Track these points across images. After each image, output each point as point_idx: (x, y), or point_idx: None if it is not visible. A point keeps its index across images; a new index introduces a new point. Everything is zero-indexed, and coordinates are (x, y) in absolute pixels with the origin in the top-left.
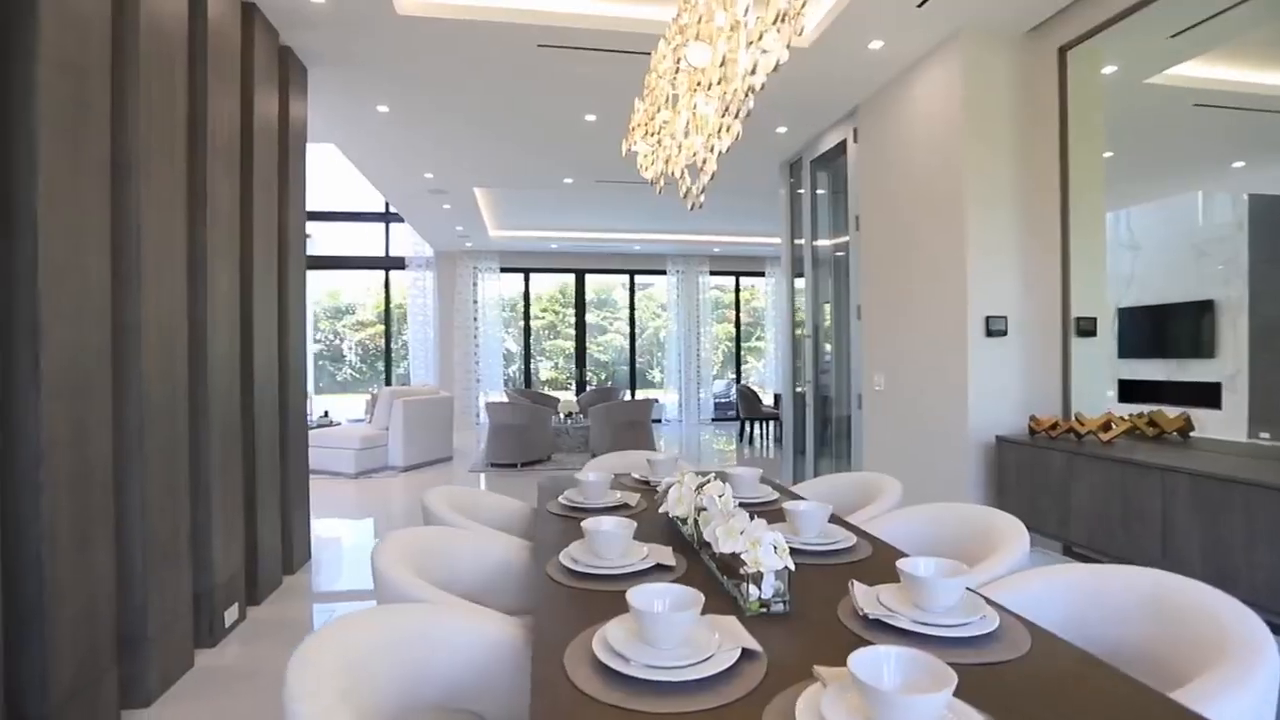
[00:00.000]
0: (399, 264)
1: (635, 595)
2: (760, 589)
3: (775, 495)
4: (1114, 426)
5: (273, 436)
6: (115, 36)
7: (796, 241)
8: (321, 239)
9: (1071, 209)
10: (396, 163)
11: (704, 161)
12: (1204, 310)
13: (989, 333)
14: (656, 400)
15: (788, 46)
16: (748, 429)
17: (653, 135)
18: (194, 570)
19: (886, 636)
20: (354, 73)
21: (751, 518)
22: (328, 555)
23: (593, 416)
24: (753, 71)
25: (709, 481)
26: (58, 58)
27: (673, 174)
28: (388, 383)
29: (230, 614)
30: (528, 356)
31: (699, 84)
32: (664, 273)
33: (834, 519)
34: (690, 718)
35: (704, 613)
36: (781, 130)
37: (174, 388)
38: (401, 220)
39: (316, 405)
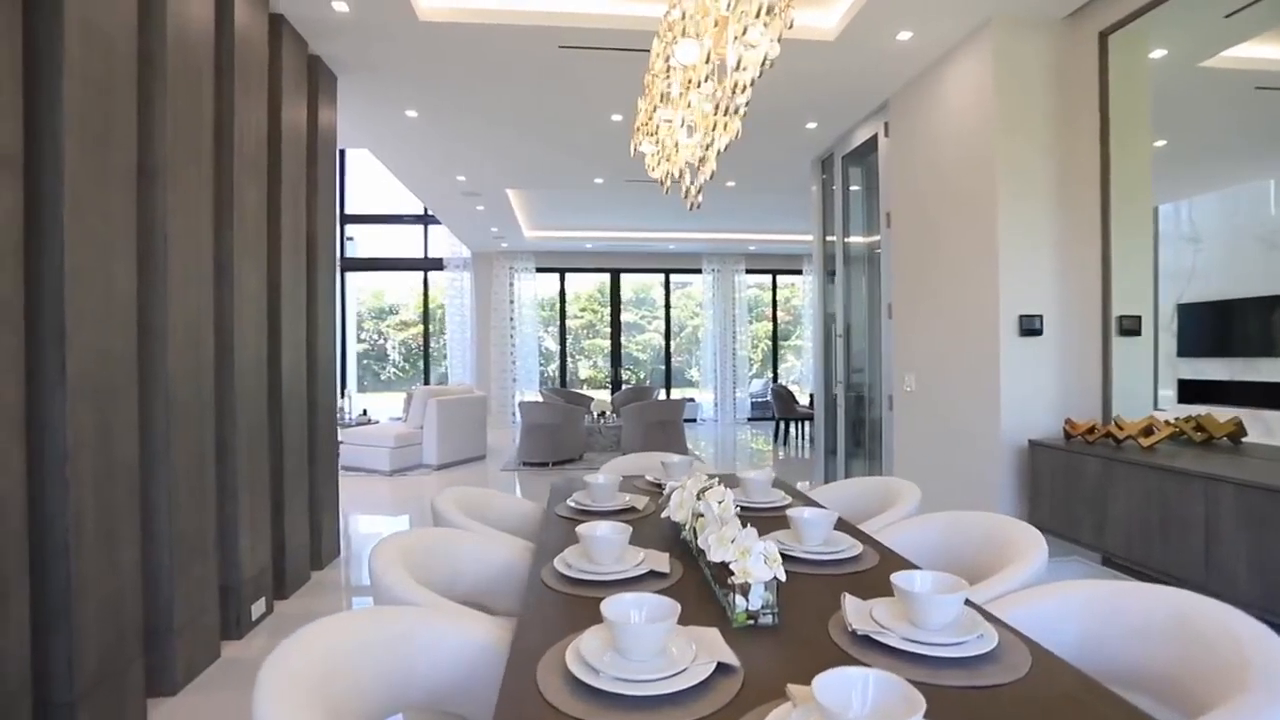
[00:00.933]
0: (437, 265)
1: (610, 604)
2: (748, 600)
3: (788, 500)
4: (1156, 431)
5: (301, 436)
6: (141, 50)
7: (829, 239)
8: (364, 241)
9: (1113, 201)
10: (428, 166)
11: (700, 160)
12: (1275, 306)
13: (1023, 331)
14: (692, 400)
15: (778, 40)
16: (783, 429)
17: (652, 136)
18: (221, 565)
19: (875, 654)
20: (381, 79)
21: (744, 525)
22: (358, 551)
23: (624, 416)
24: (739, 67)
25: (711, 486)
26: (82, 73)
27: (675, 173)
28: (426, 382)
29: (257, 608)
30: (564, 356)
31: (690, 81)
32: (699, 271)
33: (842, 525)
34: None
35: (696, 624)
36: (811, 126)
37: (201, 389)
38: (439, 222)
39: (359, 404)
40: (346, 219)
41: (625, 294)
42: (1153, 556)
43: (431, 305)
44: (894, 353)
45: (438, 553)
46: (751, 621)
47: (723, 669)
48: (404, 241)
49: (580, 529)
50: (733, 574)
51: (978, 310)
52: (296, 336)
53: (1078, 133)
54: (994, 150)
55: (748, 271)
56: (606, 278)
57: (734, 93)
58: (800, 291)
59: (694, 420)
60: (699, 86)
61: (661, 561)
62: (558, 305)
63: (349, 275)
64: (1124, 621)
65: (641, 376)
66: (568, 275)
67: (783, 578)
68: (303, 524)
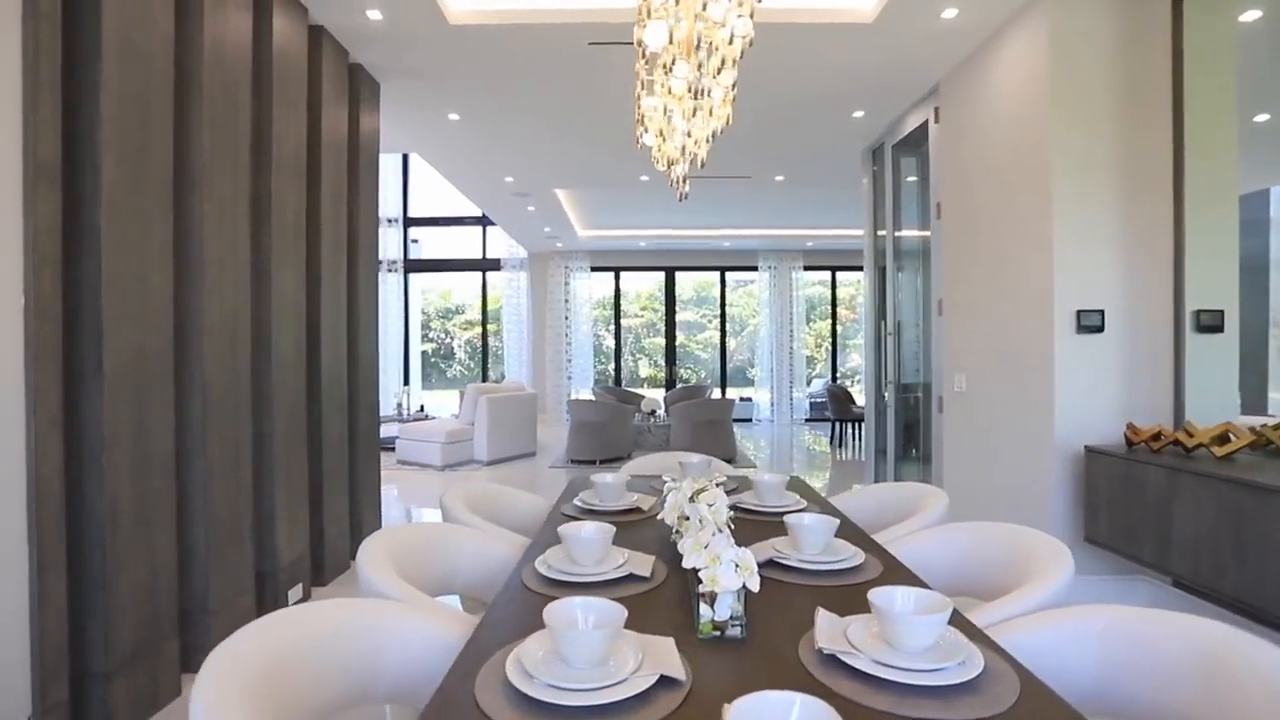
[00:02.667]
0: (495, 265)
1: (555, 609)
2: (714, 610)
3: (801, 505)
4: (1233, 438)
5: (341, 430)
6: (179, 66)
7: (879, 233)
8: (429, 243)
9: (1189, 186)
10: (475, 168)
11: (683, 148)
12: None
13: (1080, 328)
14: (748, 399)
15: (750, 16)
16: (839, 430)
17: (642, 125)
18: (257, 552)
19: (840, 677)
20: (421, 84)
21: (733, 529)
22: None
23: (673, 415)
24: (710, 49)
25: (706, 488)
26: (120, 89)
27: (670, 163)
28: (484, 380)
29: (294, 593)
30: (618, 354)
31: (663, 65)
32: (755, 269)
33: (854, 533)
34: None
35: (667, 632)
36: (859, 114)
37: (237, 384)
38: (496, 224)
39: (420, 401)
40: (410, 222)
41: (686, 292)
42: (1224, 582)
43: (490, 305)
44: (944, 352)
45: (433, 548)
46: (718, 633)
47: (667, 682)
48: (466, 243)
49: (562, 529)
50: (700, 581)
51: (1031, 305)
52: (337, 335)
53: (1147, 110)
54: (1048, 131)
55: (806, 268)
56: (664, 276)
57: (717, 74)
58: (862, 289)
59: (749, 420)
60: (670, 70)
61: (644, 565)
62: (614, 303)
63: (412, 276)
64: (1147, 655)
65: (703, 376)
66: (623, 274)
67: (754, 588)
68: (342, 514)
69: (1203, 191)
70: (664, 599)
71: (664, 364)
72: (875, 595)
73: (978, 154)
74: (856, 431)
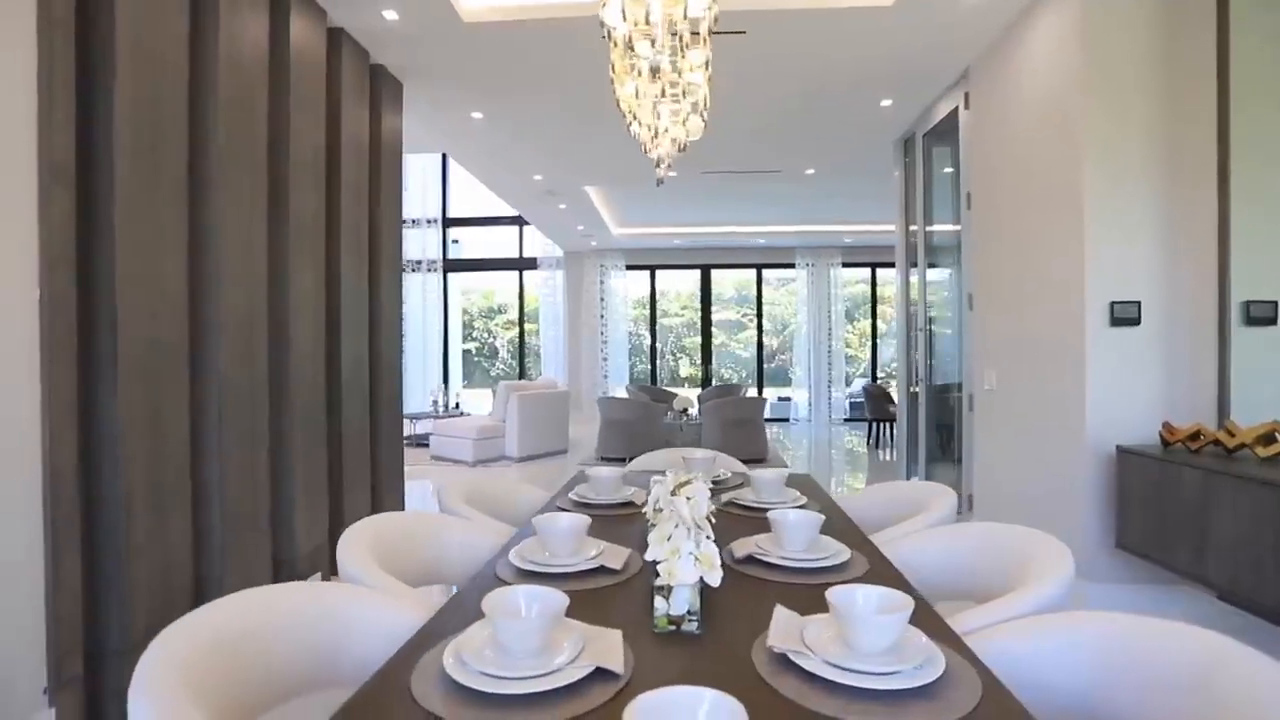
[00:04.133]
0: (531, 264)
1: (495, 596)
2: (669, 603)
3: (801, 501)
4: (1279, 438)
5: (361, 423)
6: (193, 68)
7: (911, 228)
8: (469, 242)
9: (1235, 169)
10: (503, 167)
11: (654, 132)
12: None
13: (1114, 321)
14: (787, 399)
15: None
16: (877, 430)
17: (632, 116)
18: (274, 539)
19: (789, 677)
20: (443, 83)
21: (713, 522)
22: None
23: (704, 413)
24: (674, 34)
25: (690, 482)
26: (133, 90)
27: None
28: (521, 377)
29: (314, 580)
30: (654, 352)
31: (627, 45)
32: (793, 266)
33: (847, 532)
34: None
35: (628, 625)
36: (887, 103)
37: (254, 377)
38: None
39: (465, 399)
40: (450, 222)
41: (728, 291)
42: (1265, 592)
43: (528, 304)
44: (974, 347)
45: (419, 537)
46: (673, 627)
47: (605, 675)
48: (504, 242)
49: (536, 520)
50: (658, 574)
51: (1061, 298)
52: (358, 331)
53: (1188, 90)
54: (1079, 113)
55: (844, 265)
56: (699, 274)
57: (679, 50)
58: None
59: (786, 420)
60: (631, 51)
61: (618, 557)
62: (650, 302)
63: (451, 275)
64: (1138, 665)
65: (744, 375)
66: (662, 273)
67: (713, 583)
68: (363, 505)
69: (1250, 176)
70: (631, 592)
71: (701, 362)
72: (834, 593)
73: (1008, 141)
74: (894, 432)
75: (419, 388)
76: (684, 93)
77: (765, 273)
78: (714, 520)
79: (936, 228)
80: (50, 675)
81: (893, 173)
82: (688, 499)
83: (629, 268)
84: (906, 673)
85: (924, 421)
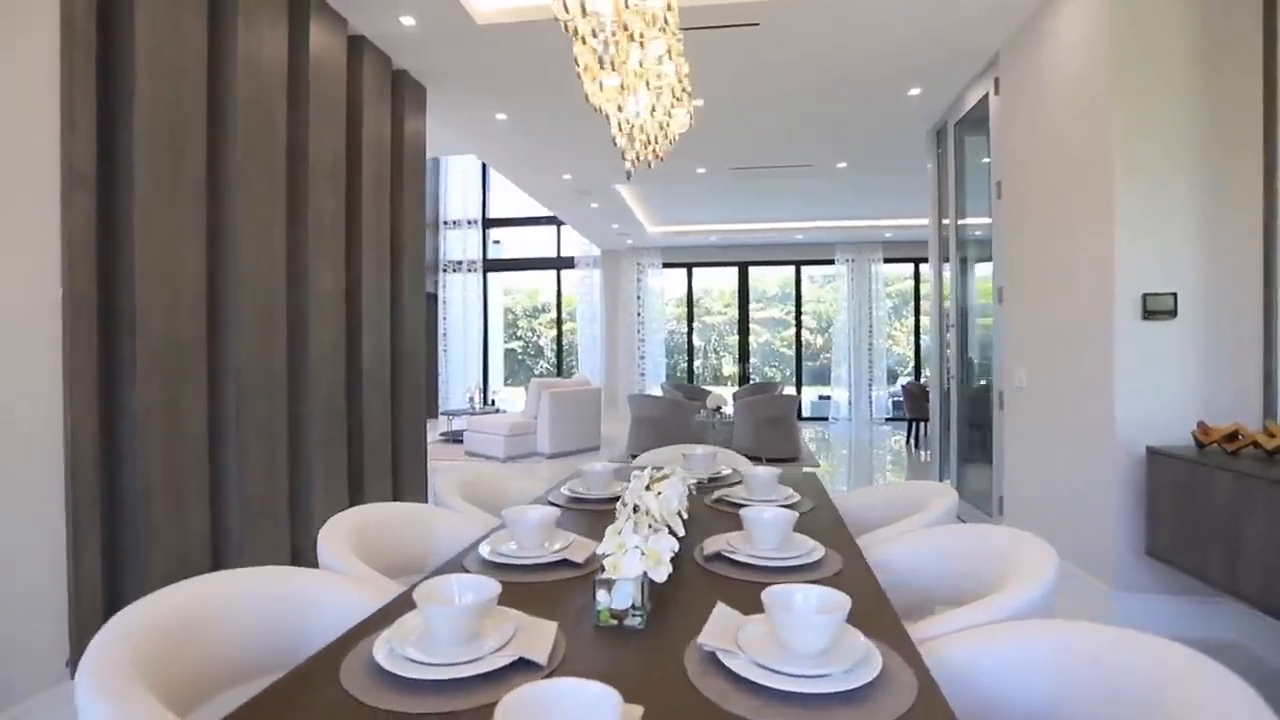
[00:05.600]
0: (569, 263)
1: (428, 584)
2: (611, 597)
3: (794, 499)
4: None
5: (382, 419)
6: (211, 78)
7: (944, 221)
8: (511, 242)
9: None
10: (531, 167)
11: (619, 123)
12: None
13: (1147, 313)
14: (827, 397)
15: None
16: (915, 430)
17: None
18: (293, 528)
19: (717, 677)
20: (465, 86)
21: (683, 518)
22: None
23: (736, 411)
24: (583, 11)
25: (666, 477)
26: (151, 103)
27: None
28: (559, 375)
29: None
30: (690, 351)
31: (576, 31)
32: (832, 262)
33: (830, 532)
34: (404, 718)
35: (572, 619)
36: (915, 92)
37: (271, 372)
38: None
39: (507, 397)
40: (490, 223)
41: (771, 289)
42: None
43: (567, 303)
44: (1004, 343)
45: (404, 528)
46: (615, 622)
47: (529, 665)
48: (544, 242)
49: (506, 512)
50: (603, 568)
51: (1089, 288)
52: (379, 329)
53: (1230, 65)
54: (1108, 90)
55: (886, 261)
56: (736, 272)
57: (635, 41)
58: (948, 280)
59: (825, 419)
60: (584, 40)
61: (583, 551)
62: (686, 301)
63: (491, 275)
64: (1099, 679)
65: (787, 374)
66: (696, 270)
67: (658, 578)
68: (384, 497)
69: None
70: (589, 585)
71: (755, 360)
72: (769, 593)
73: (1038, 125)
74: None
75: (461, 385)
76: (647, 84)
77: (807, 269)
78: (685, 516)
79: (971, 221)
80: (72, 647)
81: (926, 164)
82: (658, 494)
83: (666, 266)
84: (835, 676)
85: (955, 421)
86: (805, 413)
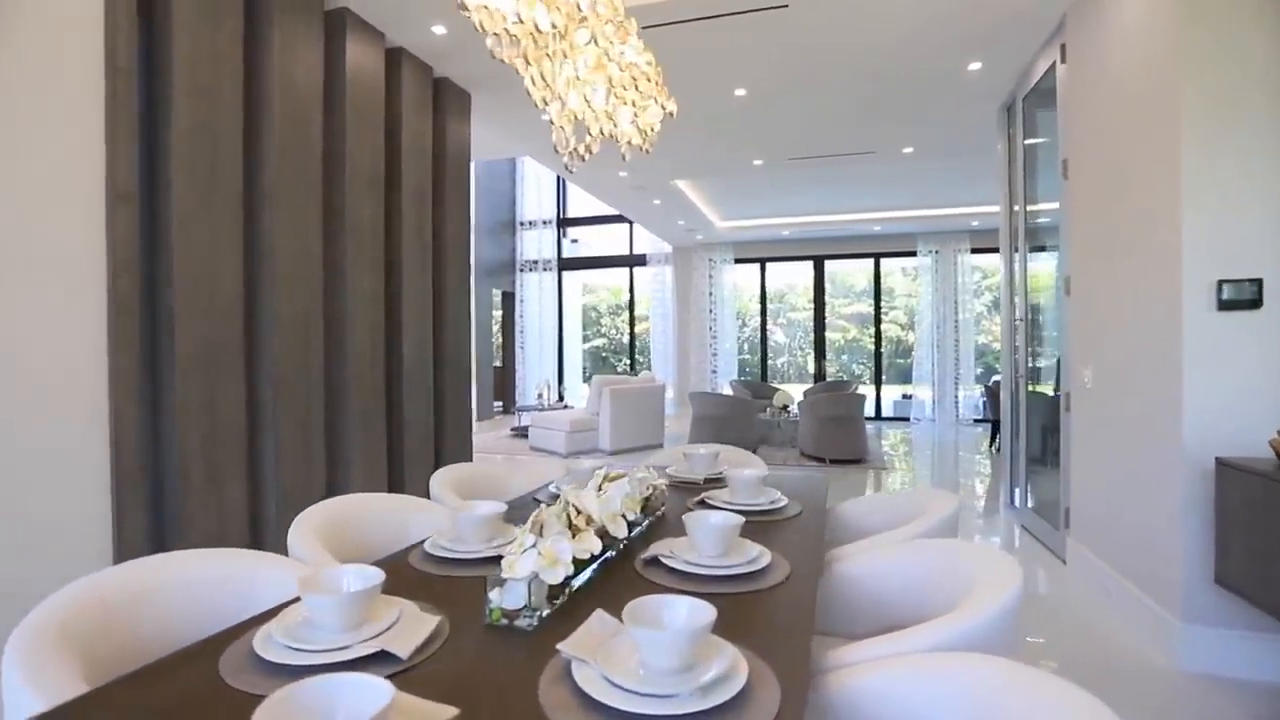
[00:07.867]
0: (641, 261)
1: (317, 573)
2: (501, 595)
3: (781, 503)
4: None
5: (425, 417)
6: (248, 96)
7: (1015, 207)
8: (587, 241)
9: None
10: (586, 166)
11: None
12: None
13: (1223, 304)
14: (909, 396)
15: None
16: (996, 432)
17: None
18: None
19: (563, 689)
20: (507, 88)
21: (628, 518)
22: None
23: (801, 410)
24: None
25: (619, 477)
26: (188, 123)
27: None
28: (632, 372)
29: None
30: (764, 346)
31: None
32: (914, 254)
33: (801, 539)
34: (246, 699)
35: (476, 617)
36: (975, 66)
37: (309, 371)
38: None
39: (581, 394)
40: (565, 222)
41: (860, 284)
42: None
43: (640, 300)
44: (1071, 339)
45: (378, 521)
46: (506, 621)
47: (390, 658)
48: (618, 240)
49: (459, 511)
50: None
51: (1156, 276)
52: (420, 331)
53: None
54: (1177, 51)
55: (974, 251)
56: (825, 266)
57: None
58: (1044, 271)
59: (907, 420)
60: (520, 42)
61: None
62: (760, 296)
63: (566, 274)
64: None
65: (872, 372)
66: (769, 265)
67: (551, 580)
68: (423, 494)
69: None
70: None
71: (843, 357)
72: (634, 604)
73: (1106, 94)
74: None
75: (530, 383)
76: (612, 79)
77: (887, 262)
78: (629, 517)
79: (1042, 206)
80: None
81: (995, 145)
82: (599, 494)
83: (738, 261)
84: (683, 697)
85: (1024, 423)
86: (886, 412)
